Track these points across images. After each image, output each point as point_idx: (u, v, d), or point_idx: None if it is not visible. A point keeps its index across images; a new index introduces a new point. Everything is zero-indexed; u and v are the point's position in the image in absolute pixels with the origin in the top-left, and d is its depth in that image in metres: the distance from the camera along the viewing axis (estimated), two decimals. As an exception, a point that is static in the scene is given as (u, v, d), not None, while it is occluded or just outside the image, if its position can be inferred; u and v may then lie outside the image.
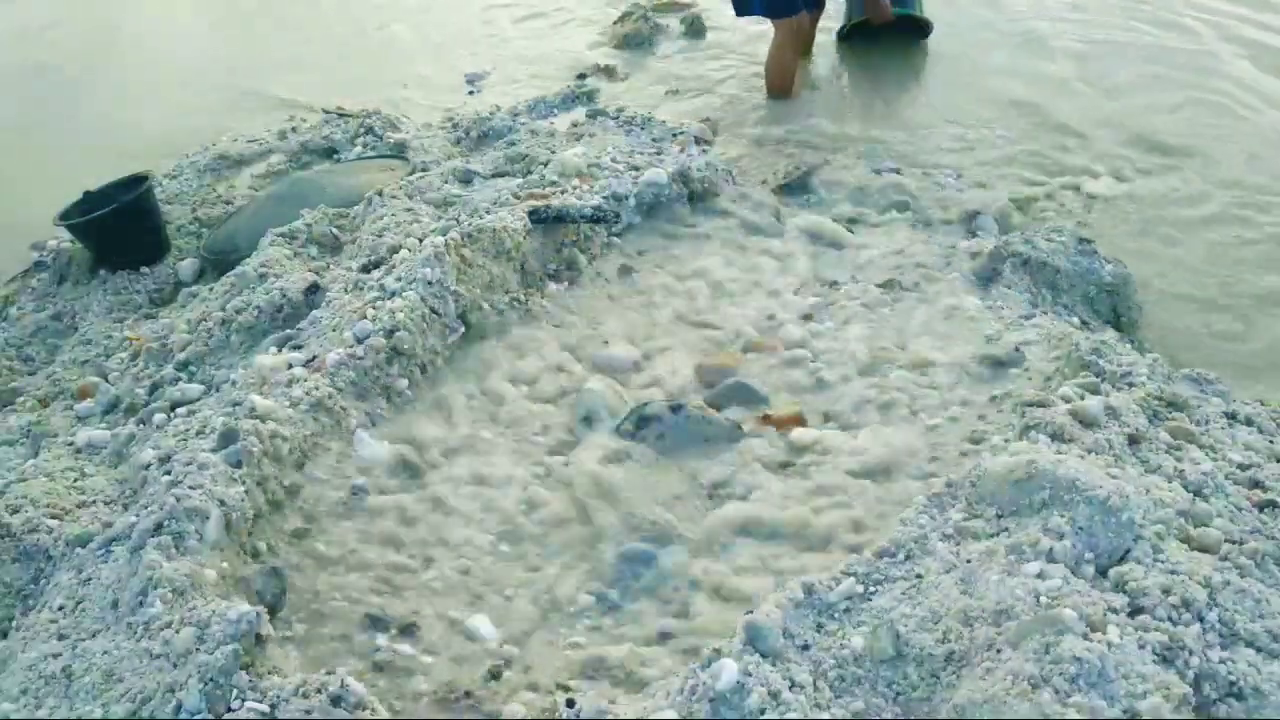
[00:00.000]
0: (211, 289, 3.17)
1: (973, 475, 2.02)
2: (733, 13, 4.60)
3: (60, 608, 1.95)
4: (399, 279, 2.74)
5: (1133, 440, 2.16)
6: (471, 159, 3.94)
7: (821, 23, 4.87)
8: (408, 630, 1.97)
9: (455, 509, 2.27)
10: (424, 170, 3.81)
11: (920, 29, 4.81)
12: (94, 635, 1.85)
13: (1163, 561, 1.79)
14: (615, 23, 5.54)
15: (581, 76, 4.97)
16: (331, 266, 3.15)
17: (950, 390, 2.55)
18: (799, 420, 2.49)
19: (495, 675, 1.88)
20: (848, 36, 4.86)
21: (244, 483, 2.12)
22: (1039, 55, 4.82)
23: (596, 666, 1.89)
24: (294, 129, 4.63)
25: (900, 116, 4.35)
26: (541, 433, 2.51)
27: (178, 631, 1.75)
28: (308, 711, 1.64)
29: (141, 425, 2.58)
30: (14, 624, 2.03)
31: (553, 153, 3.74)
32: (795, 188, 3.65)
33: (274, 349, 2.69)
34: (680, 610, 2.03)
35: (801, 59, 4.73)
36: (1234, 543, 1.88)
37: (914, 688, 1.67)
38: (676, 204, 3.37)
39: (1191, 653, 1.63)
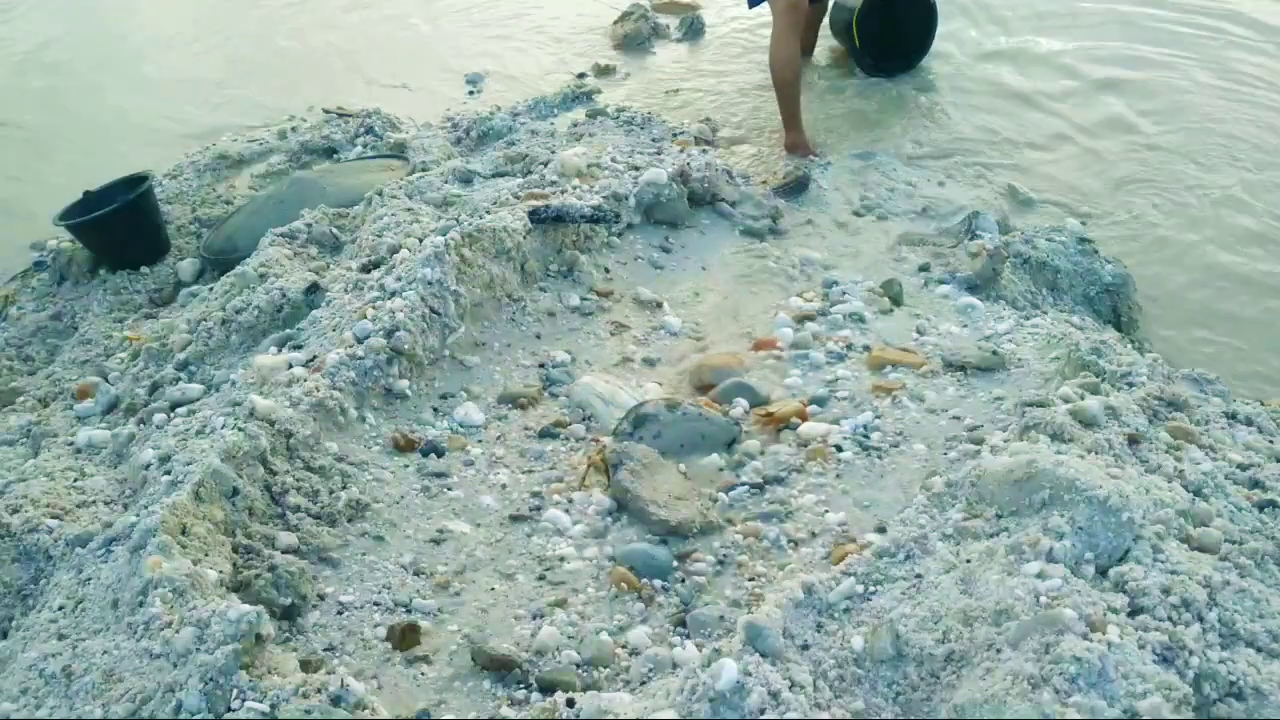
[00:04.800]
0: (211, 289, 3.17)
1: (973, 475, 2.01)
2: (745, 8, 4.57)
3: (60, 608, 1.95)
4: (399, 279, 2.74)
5: (1133, 440, 2.16)
6: (471, 159, 3.95)
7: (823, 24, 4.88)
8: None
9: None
10: (424, 170, 3.81)
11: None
12: (94, 635, 1.85)
13: (1163, 561, 1.79)
14: (615, 23, 5.54)
15: (581, 76, 4.97)
16: (331, 266, 3.14)
17: (950, 390, 2.55)
18: (801, 418, 2.49)
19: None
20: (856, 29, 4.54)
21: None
22: (1036, 59, 4.82)
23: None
24: (294, 129, 4.63)
25: (900, 117, 4.35)
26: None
27: (178, 631, 1.74)
28: (308, 711, 1.64)
29: (141, 425, 2.58)
30: (14, 624, 2.03)
31: (553, 153, 3.74)
32: (795, 188, 3.65)
33: (274, 349, 2.69)
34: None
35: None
36: (1234, 543, 1.88)
37: (914, 688, 1.67)
38: (676, 204, 3.37)
39: (1191, 653, 1.63)
